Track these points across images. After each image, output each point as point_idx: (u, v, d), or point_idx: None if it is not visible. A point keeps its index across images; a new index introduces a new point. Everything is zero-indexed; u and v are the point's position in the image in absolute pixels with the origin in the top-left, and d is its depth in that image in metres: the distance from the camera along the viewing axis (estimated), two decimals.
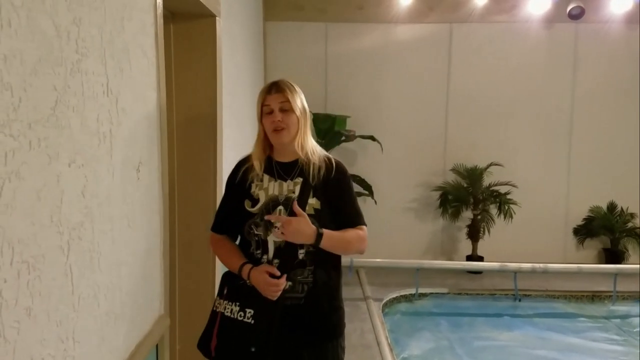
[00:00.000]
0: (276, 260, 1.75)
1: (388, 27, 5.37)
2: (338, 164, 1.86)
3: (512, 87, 5.45)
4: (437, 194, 5.44)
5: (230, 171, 1.93)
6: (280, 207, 1.77)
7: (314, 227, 1.70)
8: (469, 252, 5.39)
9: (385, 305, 4.50)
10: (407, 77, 5.43)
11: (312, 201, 1.76)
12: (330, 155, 1.88)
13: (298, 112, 1.79)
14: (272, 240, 1.77)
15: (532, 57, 5.42)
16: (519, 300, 4.77)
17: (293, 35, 5.35)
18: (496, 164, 5.28)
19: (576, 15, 5.13)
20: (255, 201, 1.81)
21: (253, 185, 1.82)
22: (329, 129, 5.06)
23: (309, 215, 1.72)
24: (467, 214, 5.38)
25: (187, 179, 2.62)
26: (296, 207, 1.69)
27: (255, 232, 1.78)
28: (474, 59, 5.42)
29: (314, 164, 1.80)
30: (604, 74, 5.42)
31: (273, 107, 1.78)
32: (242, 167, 1.87)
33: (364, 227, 1.84)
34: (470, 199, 5.29)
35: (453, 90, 5.43)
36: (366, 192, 5.17)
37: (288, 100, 1.76)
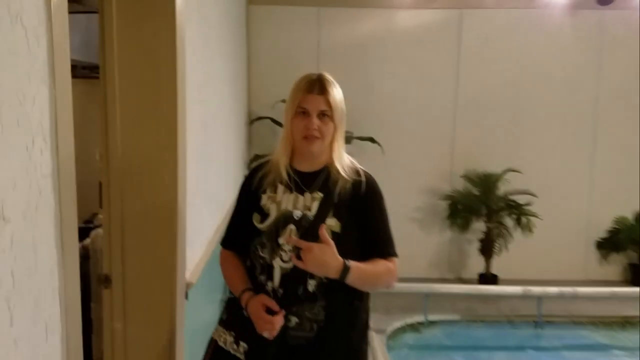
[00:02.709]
0: (282, 290, 1.58)
1: (389, 12, 4.90)
2: (369, 179, 1.67)
3: (530, 83, 4.96)
4: (444, 203, 4.96)
5: (242, 181, 1.74)
6: (292, 227, 1.58)
7: (340, 259, 1.51)
8: (481, 269, 4.90)
9: (390, 337, 3.96)
10: (411, 70, 4.96)
11: (332, 222, 1.58)
12: (361, 168, 1.69)
13: (337, 120, 1.61)
14: (278, 265, 1.58)
15: (552, 49, 4.94)
16: (541, 328, 4.22)
17: (281, 21, 4.87)
18: (513, 170, 4.77)
19: (606, 0, 4.57)
20: (264, 216, 1.62)
21: (264, 197, 1.65)
22: None
23: None
24: (478, 225, 4.88)
25: (137, 210, 1.99)
26: (323, 233, 1.51)
27: (261, 253, 1.61)
28: (486, 50, 4.93)
29: (341, 177, 1.61)
30: (632, 68, 4.90)
31: (311, 111, 1.59)
32: (259, 173, 1.69)
33: (396, 259, 1.66)
34: (482, 209, 4.77)
35: (463, 86, 4.96)
36: None
37: (330, 107, 1.59)
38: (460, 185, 4.93)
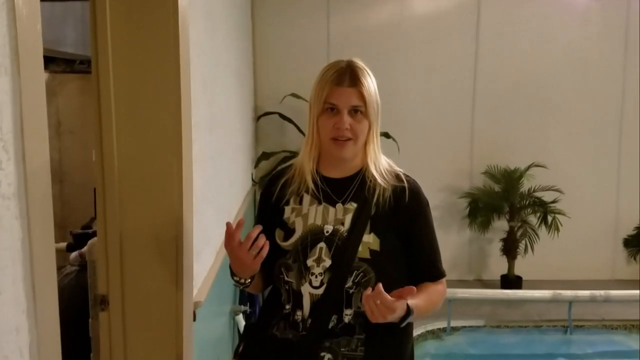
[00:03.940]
0: (311, 320, 1.37)
1: None
2: (413, 185, 1.46)
3: (553, 73, 4.74)
4: (464, 201, 4.72)
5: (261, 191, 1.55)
6: (322, 245, 1.37)
7: (404, 304, 1.26)
8: (503, 271, 4.65)
9: None
10: (426, 61, 4.73)
11: (369, 238, 1.37)
12: (402, 171, 1.49)
13: (372, 116, 1.37)
14: (307, 291, 1.36)
15: (577, 37, 4.70)
16: (571, 334, 3.99)
17: (288, 10, 4.63)
18: (538, 165, 4.54)
19: None
20: (289, 232, 1.41)
21: (287, 209, 1.44)
22: None
23: (362, 260, 1.35)
24: (500, 224, 4.65)
25: (137, 220, 1.74)
26: (383, 297, 1.21)
27: (286, 277, 1.39)
28: (507, 39, 4.71)
29: (378, 183, 1.39)
30: None
31: (341, 108, 1.34)
32: (280, 180, 1.48)
33: (444, 281, 1.48)
34: (505, 207, 4.55)
35: (481, 78, 4.73)
36: None
37: (364, 102, 1.34)
38: (481, 182, 4.71)
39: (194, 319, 1.91)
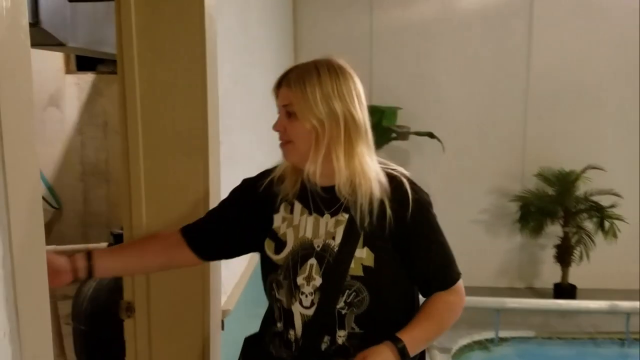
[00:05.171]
0: (303, 341, 1.29)
1: None
2: (416, 193, 1.28)
3: (612, 69, 4.50)
4: (514, 205, 4.55)
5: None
6: (313, 262, 1.27)
7: (391, 348, 1.20)
8: (556, 279, 4.45)
9: (455, 356, 3.63)
10: (475, 57, 4.58)
11: (362, 253, 1.25)
12: (402, 175, 1.30)
13: (311, 120, 1.23)
14: (298, 310, 1.28)
15: (635, 34, 4.40)
16: (629, 347, 3.76)
17: (331, 4, 4.59)
18: (595, 168, 4.32)
19: None
20: (280, 244, 1.32)
21: (278, 218, 1.34)
22: (376, 125, 4.12)
23: (353, 277, 1.24)
24: (554, 230, 4.45)
25: (162, 225, 1.68)
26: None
27: (277, 295, 1.31)
28: (563, 32, 4.50)
29: (364, 193, 1.24)
30: None
31: (278, 110, 1.31)
32: (267, 177, 1.37)
33: (460, 282, 1.33)
34: (559, 211, 4.36)
35: (535, 74, 4.53)
36: None
37: (291, 102, 1.25)
38: (533, 184, 4.52)
39: (222, 328, 1.84)
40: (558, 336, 3.91)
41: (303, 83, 1.24)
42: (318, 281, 1.25)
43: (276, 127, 1.29)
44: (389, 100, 4.44)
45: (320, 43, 4.51)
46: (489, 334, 3.80)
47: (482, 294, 4.14)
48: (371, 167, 1.26)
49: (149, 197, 1.68)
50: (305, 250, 1.28)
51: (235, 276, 2.13)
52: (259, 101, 2.61)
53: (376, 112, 4.22)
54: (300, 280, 1.27)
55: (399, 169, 1.33)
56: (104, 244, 3.17)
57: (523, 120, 4.59)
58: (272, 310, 1.35)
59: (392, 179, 1.27)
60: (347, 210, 1.26)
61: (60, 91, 4.85)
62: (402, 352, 1.20)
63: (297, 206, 1.32)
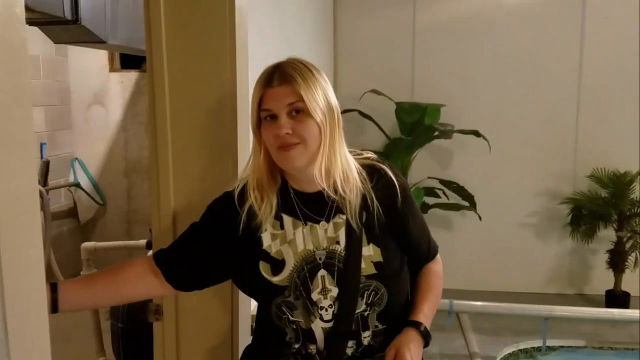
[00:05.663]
0: (327, 352, 1.25)
1: None
2: (398, 177, 1.28)
3: None
4: (565, 208, 4.36)
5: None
6: (323, 273, 1.22)
7: (415, 332, 1.23)
8: (609, 285, 4.23)
9: None
10: (523, 52, 4.39)
11: (369, 250, 1.23)
12: (377, 161, 1.30)
13: (319, 115, 1.18)
14: (319, 326, 1.23)
15: None
16: None
17: (373, 1, 4.48)
18: None
19: None
20: (277, 264, 1.24)
21: (266, 236, 1.26)
22: (418, 123, 4.16)
23: (369, 277, 1.22)
24: (607, 234, 4.24)
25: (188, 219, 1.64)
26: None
27: (291, 317, 1.24)
28: (618, 25, 4.25)
29: (353, 190, 1.23)
30: None
31: (276, 111, 1.18)
32: (244, 205, 1.26)
33: (438, 254, 1.42)
34: (612, 214, 4.16)
35: (587, 71, 4.32)
36: (466, 204, 4.22)
37: (301, 98, 1.16)
38: (585, 186, 4.32)
39: (252, 333, 1.79)
40: (610, 346, 3.73)
41: (303, 76, 1.18)
42: (334, 291, 1.22)
43: (283, 129, 1.16)
44: (432, 97, 4.32)
45: (361, 40, 4.43)
46: (536, 342, 3.64)
47: (530, 300, 3.99)
48: (351, 161, 1.25)
49: (178, 196, 1.64)
50: (310, 264, 1.23)
51: None
52: None
53: (418, 110, 4.15)
54: (315, 295, 1.22)
55: (371, 155, 1.31)
56: (142, 241, 3.17)
57: (574, 118, 4.39)
58: (279, 333, 1.27)
59: (372, 169, 1.26)
60: (339, 211, 1.23)
61: (104, 89, 4.93)
62: (425, 334, 1.24)
63: (287, 219, 1.25)
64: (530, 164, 4.46)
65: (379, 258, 1.23)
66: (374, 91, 4.10)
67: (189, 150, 1.63)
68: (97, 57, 4.78)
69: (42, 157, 4.41)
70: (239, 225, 1.25)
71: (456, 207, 4.20)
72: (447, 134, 4.09)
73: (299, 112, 1.17)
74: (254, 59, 1.76)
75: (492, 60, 4.40)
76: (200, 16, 1.58)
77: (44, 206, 4.32)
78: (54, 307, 1.19)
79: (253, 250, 1.26)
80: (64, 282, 1.30)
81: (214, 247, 1.31)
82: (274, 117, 1.18)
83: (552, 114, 4.40)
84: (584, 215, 4.22)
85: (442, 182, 4.22)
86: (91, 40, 2.95)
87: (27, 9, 2.39)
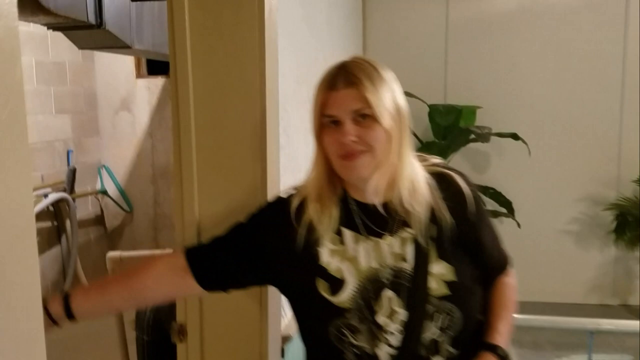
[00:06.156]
0: None
1: None
2: (469, 185, 1.19)
3: None
4: (609, 214, 4.13)
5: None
6: (389, 294, 1.11)
7: (494, 358, 1.13)
8: None
9: None
10: (562, 51, 4.17)
11: (441, 268, 1.11)
12: (446, 168, 1.20)
13: (388, 120, 1.09)
14: (385, 352, 1.12)
15: None
16: None
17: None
18: None
19: None
20: (336, 283, 1.13)
21: (324, 252, 1.15)
22: (452, 125, 4.01)
23: (441, 298, 1.10)
24: None
25: (214, 225, 1.54)
26: None
27: (354, 341, 1.13)
28: None
29: (421, 201, 1.12)
30: None
31: (340, 117, 1.08)
32: (302, 218, 1.16)
33: (511, 266, 1.30)
34: None
35: (631, 69, 4.07)
36: (503, 211, 4.03)
37: (368, 103, 1.07)
38: (630, 191, 4.10)
39: (282, 356, 1.67)
40: None
41: (370, 78, 1.09)
42: (403, 314, 1.11)
43: (349, 136, 1.08)
44: (467, 99, 4.17)
45: (391, 39, 4.28)
46: (580, 357, 3.44)
47: (571, 311, 3.82)
48: (419, 169, 1.17)
49: (202, 206, 1.54)
50: (375, 283, 1.13)
51: None
52: None
53: (452, 112, 3.99)
54: (381, 319, 1.12)
55: (437, 161, 1.23)
56: (170, 250, 3.10)
57: (619, 119, 4.17)
58: (335, 355, 1.17)
59: (441, 177, 1.18)
60: (405, 224, 1.14)
61: (131, 95, 4.90)
62: (504, 357, 1.16)
63: (348, 234, 1.16)
64: (571, 168, 4.28)
65: (452, 277, 1.13)
66: (405, 93, 3.93)
67: (214, 158, 1.53)
68: (124, 63, 4.75)
69: (68, 164, 4.38)
70: (295, 240, 1.17)
71: (493, 214, 4.02)
72: (484, 137, 3.91)
73: (366, 117, 1.09)
74: (284, 58, 1.65)
75: (531, 58, 4.22)
76: (227, 16, 1.48)
77: (70, 214, 4.30)
78: (68, 315, 1.18)
79: (309, 266, 1.17)
80: (76, 290, 1.26)
81: (258, 253, 1.24)
82: (337, 122, 1.10)
83: (594, 115, 4.20)
84: (630, 222, 3.99)
85: (478, 187, 4.05)
86: (116, 45, 2.89)
87: (50, 13, 2.33)
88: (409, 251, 1.13)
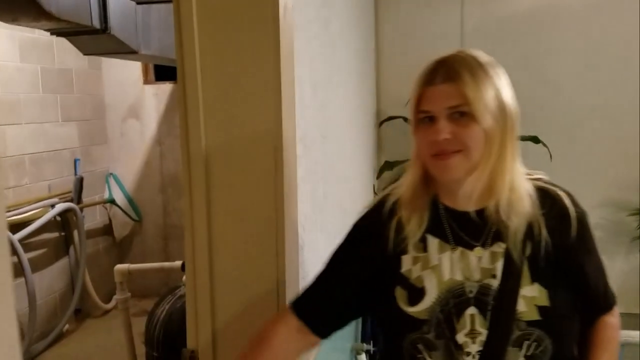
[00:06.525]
0: None
1: None
2: (576, 207, 1.10)
3: None
4: (634, 220, 4.00)
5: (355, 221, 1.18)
6: (473, 312, 1.00)
7: None
8: None
9: None
10: (583, 52, 4.05)
11: (533, 291, 1.00)
12: (549, 184, 1.10)
13: (488, 120, 0.98)
14: None
15: None
16: None
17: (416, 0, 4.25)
18: None
19: None
20: (416, 292, 1.04)
21: (407, 259, 1.06)
22: None
23: (531, 324, 0.99)
24: None
25: (230, 261, 1.43)
26: None
27: (428, 357, 1.03)
28: None
29: (520, 214, 1.02)
30: None
31: (434, 113, 0.99)
32: (392, 220, 1.08)
33: (616, 306, 1.16)
34: None
35: None
36: None
37: (466, 100, 0.97)
38: None
39: None
40: None
41: (472, 73, 1.00)
42: (485, 335, 1.02)
43: (442, 134, 0.99)
44: None
45: (405, 41, 4.17)
46: None
47: None
48: (522, 180, 1.07)
49: (214, 218, 1.43)
50: (458, 298, 1.03)
51: None
52: (338, 109, 2.32)
53: None
54: (461, 338, 1.01)
55: (542, 177, 1.15)
56: (178, 263, 3.02)
57: None
58: None
59: (545, 193, 1.08)
60: (498, 237, 1.04)
61: (139, 102, 4.82)
62: None
63: (433, 241, 1.06)
64: (594, 172, 4.16)
65: (545, 302, 1.02)
66: None
67: (226, 169, 1.42)
68: (131, 70, 4.68)
69: (76, 174, 4.31)
70: (387, 244, 1.08)
71: None
72: None
73: (464, 115, 1.00)
74: (299, 64, 1.54)
75: (549, 61, 4.10)
76: (238, 18, 1.37)
77: (78, 224, 4.22)
78: None
79: (391, 273, 1.08)
80: None
81: (364, 272, 1.13)
82: (432, 119, 1.01)
83: (617, 118, 4.07)
84: None
85: None
86: (122, 50, 2.80)
87: (53, 18, 2.24)
88: (499, 267, 1.03)
